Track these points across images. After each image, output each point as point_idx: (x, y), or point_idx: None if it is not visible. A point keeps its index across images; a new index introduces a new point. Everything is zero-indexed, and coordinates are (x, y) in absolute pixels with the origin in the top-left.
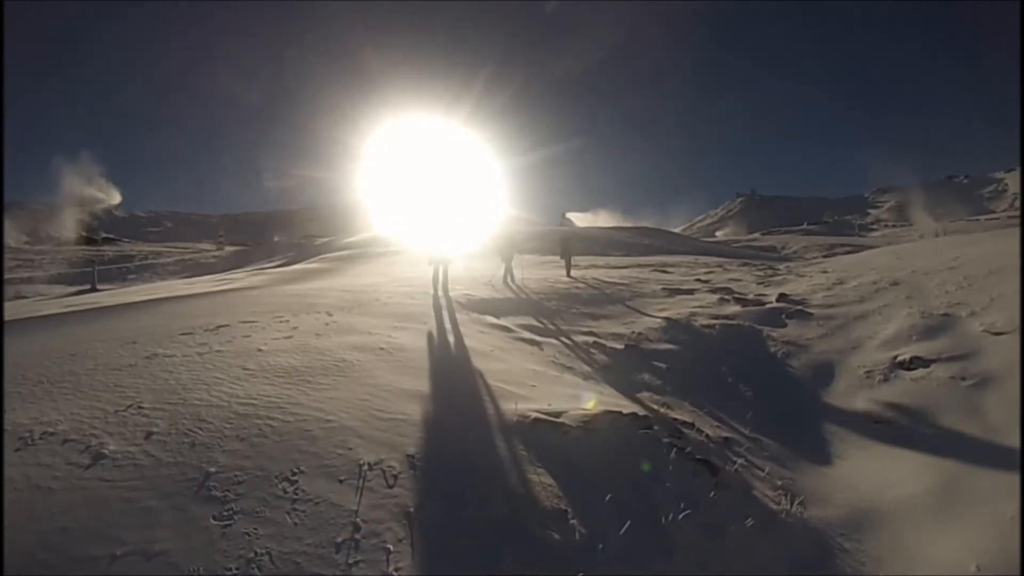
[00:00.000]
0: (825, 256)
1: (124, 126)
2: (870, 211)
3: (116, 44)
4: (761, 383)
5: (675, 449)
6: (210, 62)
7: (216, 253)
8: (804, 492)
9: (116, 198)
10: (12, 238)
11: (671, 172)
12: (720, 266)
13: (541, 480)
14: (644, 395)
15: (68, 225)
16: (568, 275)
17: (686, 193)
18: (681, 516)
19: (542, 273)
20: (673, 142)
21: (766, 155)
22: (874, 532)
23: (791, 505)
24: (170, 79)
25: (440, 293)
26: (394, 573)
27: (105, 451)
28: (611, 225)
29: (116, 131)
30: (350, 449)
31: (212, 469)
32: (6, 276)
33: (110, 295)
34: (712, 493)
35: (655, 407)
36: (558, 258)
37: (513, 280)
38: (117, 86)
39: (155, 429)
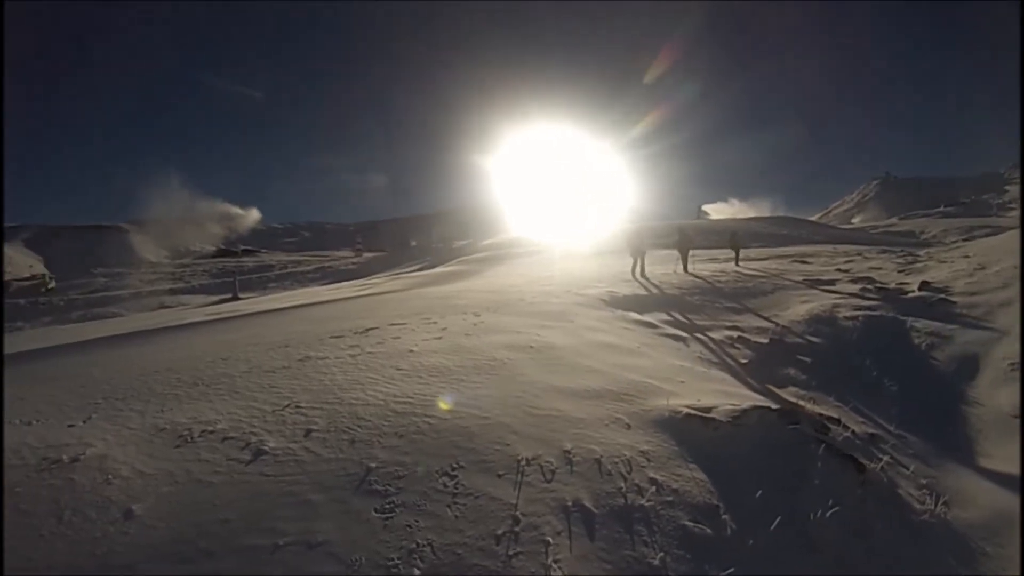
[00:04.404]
0: (965, 239)
1: (263, 138)
2: (1007, 188)
3: (265, 50)
4: (905, 376)
5: (823, 445)
6: (364, 69)
7: (355, 259)
8: (948, 491)
9: (255, 215)
10: (151, 253)
11: (802, 156)
12: (859, 254)
13: (693, 475)
14: (790, 390)
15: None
16: (736, 265)
17: (818, 179)
18: (828, 514)
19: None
20: (805, 124)
21: (898, 134)
22: (1016, 536)
23: (935, 505)
24: (314, 88)
25: (639, 277)
26: (553, 565)
27: (265, 448)
28: (748, 216)
29: (255, 142)
30: (507, 445)
31: (372, 464)
32: (148, 289)
33: (252, 303)
34: (859, 491)
35: (801, 402)
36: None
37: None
38: (263, 97)
39: (314, 427)
